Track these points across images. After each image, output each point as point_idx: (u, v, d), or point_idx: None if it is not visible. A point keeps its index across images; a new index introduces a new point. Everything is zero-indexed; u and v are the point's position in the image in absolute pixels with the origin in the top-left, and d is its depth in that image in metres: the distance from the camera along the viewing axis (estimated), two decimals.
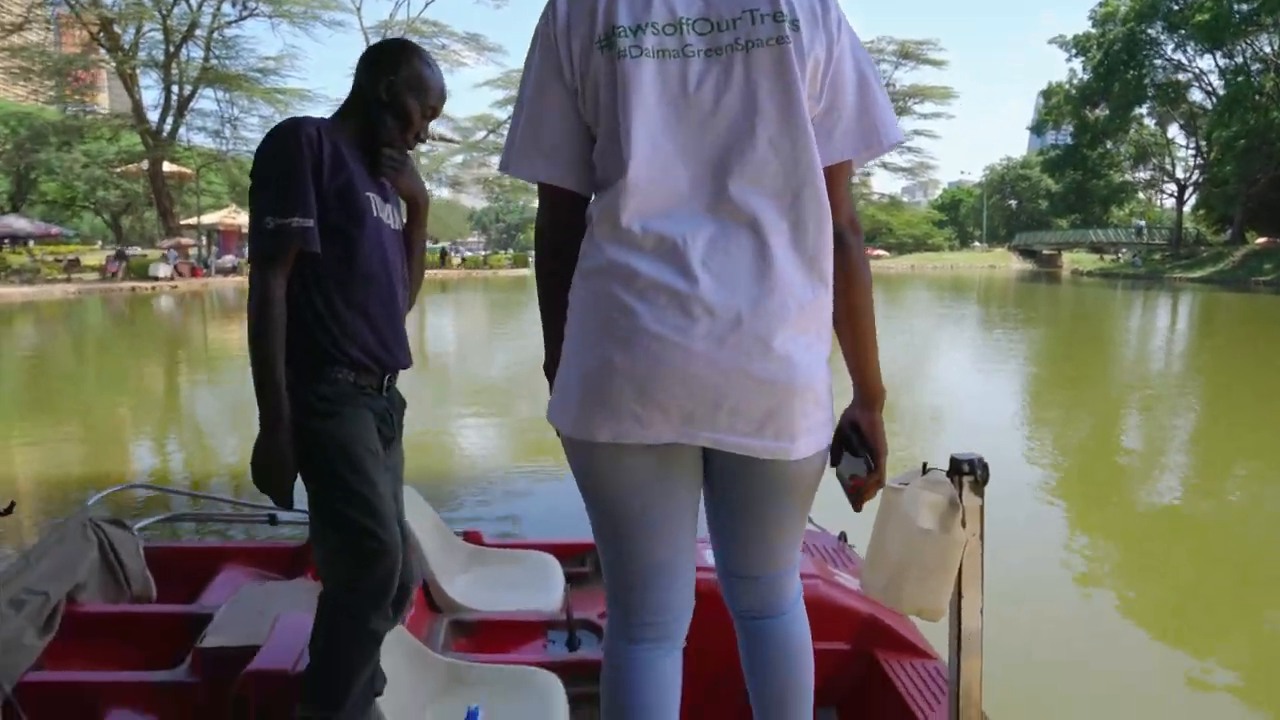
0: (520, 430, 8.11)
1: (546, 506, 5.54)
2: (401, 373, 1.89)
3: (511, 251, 60.76)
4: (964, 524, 1.59)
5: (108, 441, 7.84)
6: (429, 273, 17.52)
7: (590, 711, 2.33)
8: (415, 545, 2.65)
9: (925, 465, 1.61)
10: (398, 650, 2.18)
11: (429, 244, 16.38)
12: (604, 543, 1.42)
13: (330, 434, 1.62)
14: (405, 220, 1.93)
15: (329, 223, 1.66)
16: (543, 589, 2.74)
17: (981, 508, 1.60)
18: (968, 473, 1.58)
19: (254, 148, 2.39)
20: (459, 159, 55.02)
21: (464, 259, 51.37)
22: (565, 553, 3.03)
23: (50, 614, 2.49)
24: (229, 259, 34.58)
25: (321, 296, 1.66)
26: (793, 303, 1.26)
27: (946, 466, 1.60)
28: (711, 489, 1.44)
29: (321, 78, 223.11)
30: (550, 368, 1.42)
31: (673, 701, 1.45)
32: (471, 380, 11.89)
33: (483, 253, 60.65)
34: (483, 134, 52.31)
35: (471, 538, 3.05)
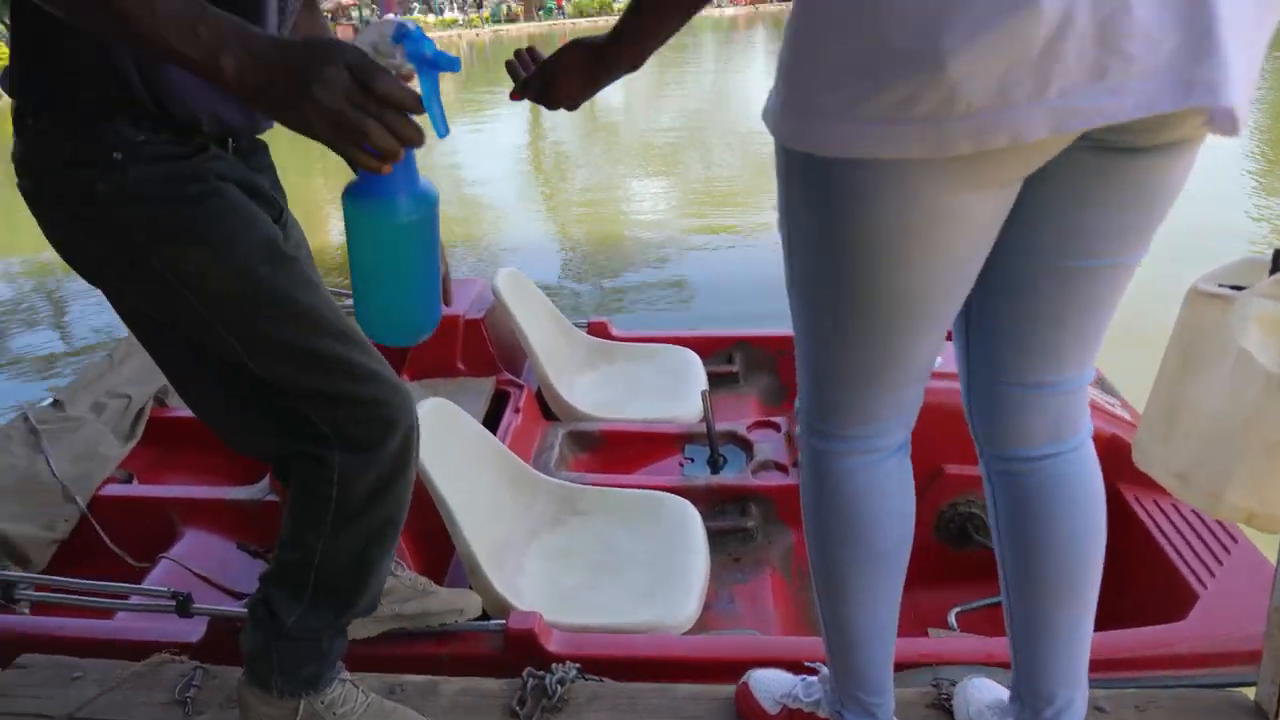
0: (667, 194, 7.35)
1: (679, 297, 4.94)
2: None
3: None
4: None
5: None
6: None
7: (735, 547, 1.89)
8: (526, 343, 2.20)
9: (1278, 253, 0.93)
10: (500, 470, 1.78)
11: None
12: (855, 323, 0.92)
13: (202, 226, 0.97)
14: None
15: None
16: (678, 395, 2.25)
17: None
18: None
19: None
20: None
21: None
22: (707, 348, 2.51)
23: (134, 419, 2.25)
24: None
25: None
26: None
27: None
28: (1015, 224, 0.90)
29: None
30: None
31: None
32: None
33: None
34: None
35: (596, 330, 2.57)
